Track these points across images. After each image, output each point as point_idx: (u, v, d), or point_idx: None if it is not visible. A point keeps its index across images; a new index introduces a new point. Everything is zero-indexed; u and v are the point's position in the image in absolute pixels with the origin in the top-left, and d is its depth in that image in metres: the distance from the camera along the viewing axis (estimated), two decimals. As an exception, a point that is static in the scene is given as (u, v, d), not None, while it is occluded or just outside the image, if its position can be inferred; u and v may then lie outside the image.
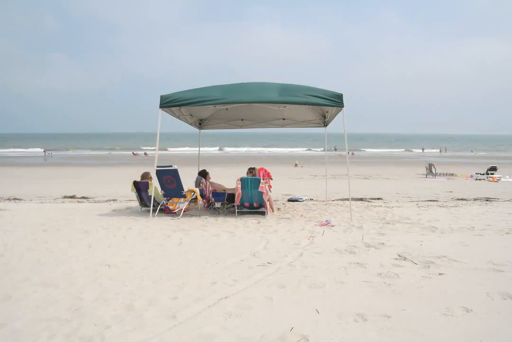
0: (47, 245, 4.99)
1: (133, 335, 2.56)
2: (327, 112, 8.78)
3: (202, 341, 2.48)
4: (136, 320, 2.77)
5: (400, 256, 4.35)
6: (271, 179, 8.62)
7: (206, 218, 7.07)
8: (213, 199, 7.79)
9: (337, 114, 8.09)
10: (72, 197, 10.99)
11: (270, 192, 8.00)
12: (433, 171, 21.07)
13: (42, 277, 3.72)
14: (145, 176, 8.01)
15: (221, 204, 7.76)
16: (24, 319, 2.77)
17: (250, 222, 6.70)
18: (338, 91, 6.81)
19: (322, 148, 54.01)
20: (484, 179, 19.16)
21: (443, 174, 21.03)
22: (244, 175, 7.96)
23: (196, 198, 7.50)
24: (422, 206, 8.91)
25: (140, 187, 7.70)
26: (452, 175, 20.95)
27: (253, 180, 7.13)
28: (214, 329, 2.62)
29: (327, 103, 6.74)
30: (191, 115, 9.15)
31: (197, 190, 7.45)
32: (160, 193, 7.50)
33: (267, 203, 7.40)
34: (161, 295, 3.26)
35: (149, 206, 7.22)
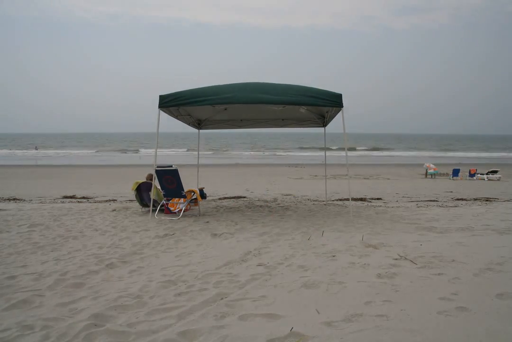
0: (45, 245, 4.99)
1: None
2: (326, 112, 8.78)
3: (202, 340, 2.48)
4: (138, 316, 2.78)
5: (399, 256, 4.35)
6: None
7: (206, 218, 7.07)
8: None
9: (336, 114, 8.09)
10: (72, 197, 11.00)
11: None
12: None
13: (34, 272, 3.73)
14: (150, 177, 8.01)
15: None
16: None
17: (249, 221, 6.70)
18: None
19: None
20: (484, 179, 19.20)
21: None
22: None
23: (196, 198, 7.50)
24: (422, 206, 8.92)
25: (142, 188, 7.70)
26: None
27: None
28: (213, 329, 2.62)
29: (327, 103, 6.73)
30: (189, 115, 9.15)
31: (197, 190, 7.45)
32: (161, 192, 7.50)
33: None
34: (161, 295, 3.26)
35: (149, 206, 7.22)
